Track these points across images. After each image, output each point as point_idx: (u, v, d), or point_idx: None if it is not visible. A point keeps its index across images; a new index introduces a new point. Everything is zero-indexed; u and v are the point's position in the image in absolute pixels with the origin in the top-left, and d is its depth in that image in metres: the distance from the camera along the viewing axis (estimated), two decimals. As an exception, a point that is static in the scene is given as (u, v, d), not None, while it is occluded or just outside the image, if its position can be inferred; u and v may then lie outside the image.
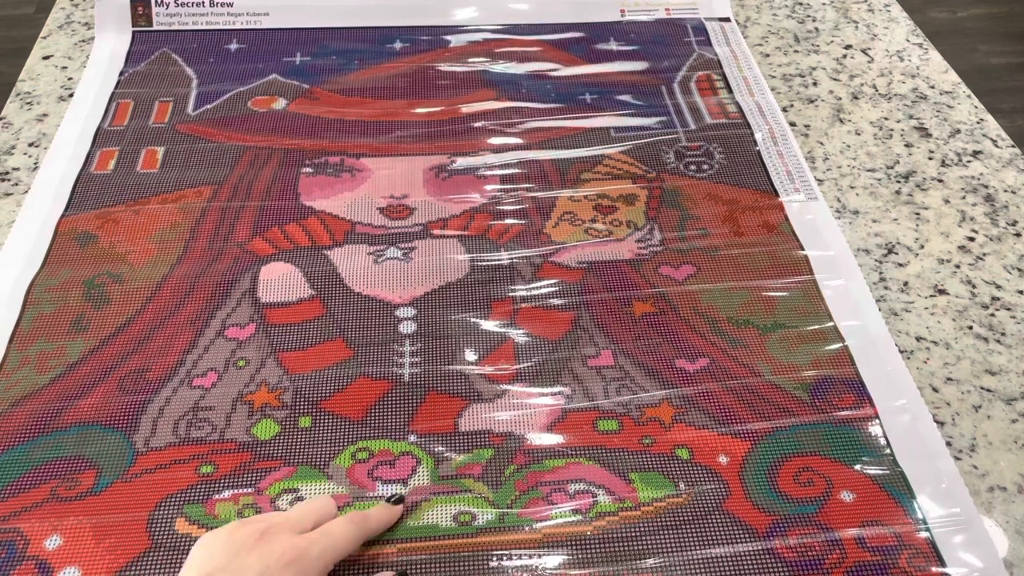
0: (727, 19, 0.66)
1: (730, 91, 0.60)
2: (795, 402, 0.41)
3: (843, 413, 0.41)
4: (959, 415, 0.42)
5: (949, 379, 0.44)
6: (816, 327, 0.45)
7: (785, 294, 0.46)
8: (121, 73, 0.60)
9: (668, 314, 0.45)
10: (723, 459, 0.39)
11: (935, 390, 0.43)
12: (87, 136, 0.55)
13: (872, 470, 0.39)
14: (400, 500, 0.37)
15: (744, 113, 0.58)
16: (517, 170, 0.53)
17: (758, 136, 0.56)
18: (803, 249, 0.49)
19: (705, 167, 0.54)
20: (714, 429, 0.40)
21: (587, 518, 0.37)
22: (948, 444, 0.41)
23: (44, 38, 0.65)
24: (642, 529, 0.37)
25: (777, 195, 0.52)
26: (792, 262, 0.48)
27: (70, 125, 0.56)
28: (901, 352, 0.44)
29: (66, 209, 0.50)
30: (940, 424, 0.42)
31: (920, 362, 0.44)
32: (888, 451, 0.39)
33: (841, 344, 0.44)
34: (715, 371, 0.43)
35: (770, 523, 0.37)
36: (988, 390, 0.43)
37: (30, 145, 0.56)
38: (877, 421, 0.41)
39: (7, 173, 0.54)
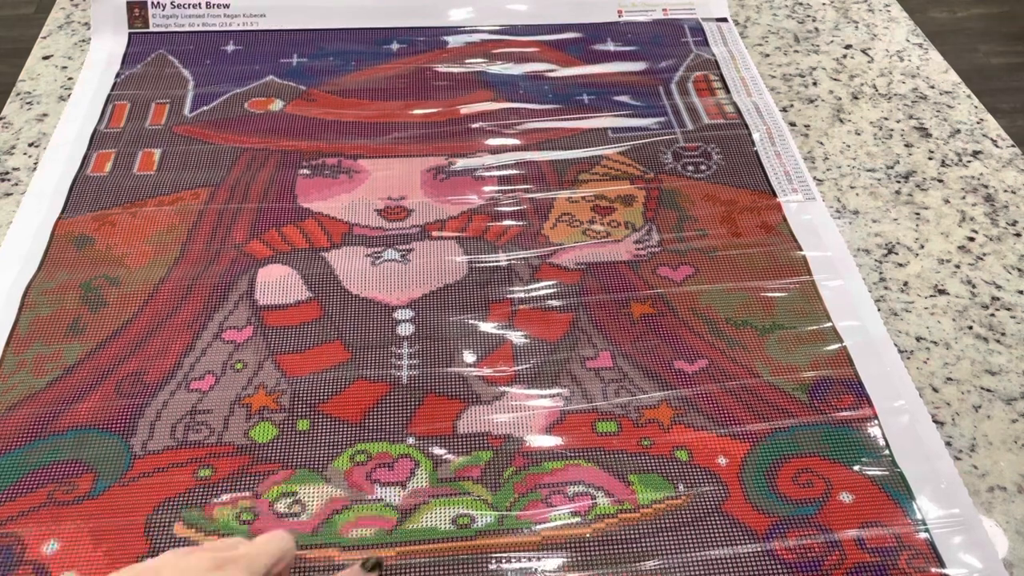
0: (724, 19, 0.66)
1: (728, 91, 0.60)
2: (794, 403, 0.41)
3: (842, 414, 0.41)
4: (959, 415, 0.42)
5: (949, 379, 0.43)
6: (815, 328, 0.45)
7: (783, 295, 0.46)
8: (117, 75, 0.60)
9: (667, 315, 0.45)
10: (722, 460, 0.39)
11: (935, 390, 0.43)
12: (84, 138, 0.55)
13: (871, 471, 0.39)
14: (377, 566, 0.34)
15: (742, 113, 0.58)
16: (515, 171, 0.53)
17: (756, 136, 0.56)
18: (801, 249, 0.49)
19: (703, 168, 0.54)
20: (713, 430, 0.40)
21: (586, 520, 0.37)
22: (948, 444, 0.40)
23: (44, 38, 0.65)
24: (641, 531, 0.37)
25: (775, 195, 0.52)
26: (790, 263, 0.48)
27: (66, 127, 0.55)
28: (901, 352, 0.44)
29: (63, 211, 0.50)
30: (940, 424, 0.41)
31: (920, 362, 0.44)
32: (887, 452, 0.39)
33: (840, 344, 0.44)
34: (714, 372, 0.43)
35: (769, 524, 0.37)
36: (988, 390, 0.43)
37: (30, 145, 0.56)
38: (876, 422, 0.40)
39: (7, 173, 0.53)
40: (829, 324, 0.45)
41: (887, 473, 0.39)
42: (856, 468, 0.39)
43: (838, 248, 0.49)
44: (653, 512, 0.37)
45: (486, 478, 0.38)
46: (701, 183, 0.53)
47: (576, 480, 0.38)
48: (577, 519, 0.37)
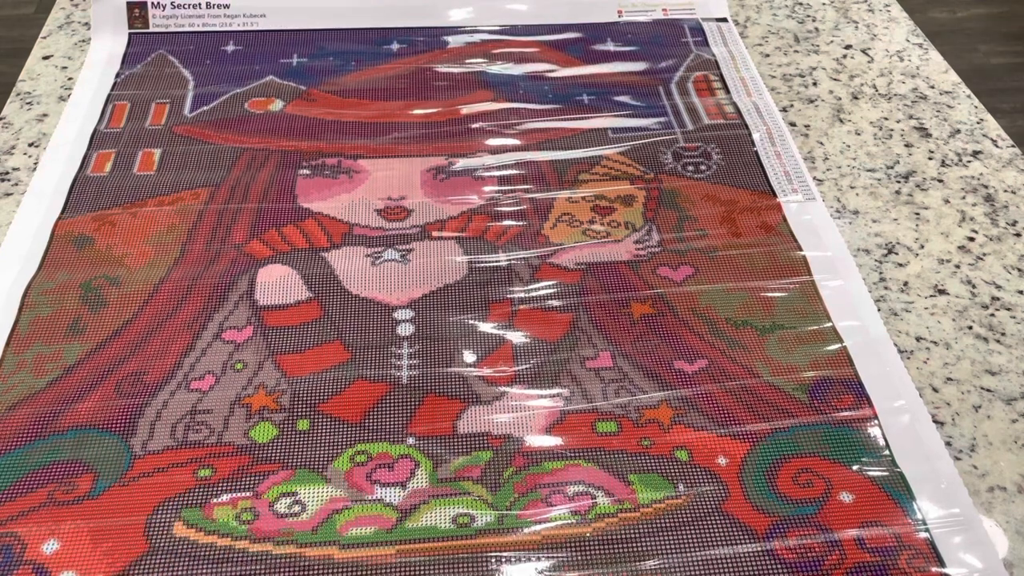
0: (724, 19, 0.66)
1: (728, 92, 0.60)
2: (794, 403, 0.41)
3: (842, 414, 0.41)
4: (959, 415, 0.42)
5: (949, 379, 0.43)
6: (815, 328, 0.45)
7: (783, 295, 0.46)
8: (118, 75, 0.60)
9: (667, 315, 0.45)
10: (722, 460, 0.39)
11: (935, 390, 0.43)
12: (84, 138, 0.55)
13: (871, 471, 0.39)
14: None
15: (742, 113, 0.58)
16: (515, 171, 0.53)
17: (756, 136, 0.56)
18: (801, 249, 0.49)
19: (703, 168, 0.54)
20: (713, 430, 0.40)
21: (586, 520, 0.37)
22: (948, 444, 0.40)
23: (44, 38, 0.65)
24: (641, 531, 0.37)
25: (775, 196, 0.52)
26: (790, 263, 0.48)
27: (66, 127, 0.55)
28: (901, 352, 0.44)
29: (63, 211, 0.50)
30: (940, 424, 0.41)
31: (920, 362, 0.44)
32: (887, 452, 0.39)
33: (840, 345, 0.44)
34: (714, 372, 0.43)
35: (769, 524, 0.37)
36: (988, 390, 0.43)
37: (30, 145, 0.56)
38: (876, 422, 0.40)
39: (7, 173, 0.53)
40: (829, 324, 0.45)
41: (887, 473, 0.39)
42: (856, 468, 0.39)
43: (838, 248, 0.49)
44: (653, 512, 0.37)
45: (486, 478, 0.38)
46: (701, 183, 0.53)
47: (576, 480, 0.38)
48: (577, 518, 0.37)
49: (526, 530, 0.36)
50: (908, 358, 0.44)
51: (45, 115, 0.58)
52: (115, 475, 0.38)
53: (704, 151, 0.55)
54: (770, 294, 0.46)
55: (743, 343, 0.44)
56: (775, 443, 0.40)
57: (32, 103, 0.59)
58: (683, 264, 0.48)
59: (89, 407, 0.40)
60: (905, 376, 0.43)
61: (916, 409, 0.41)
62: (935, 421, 0.41)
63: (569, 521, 0.37)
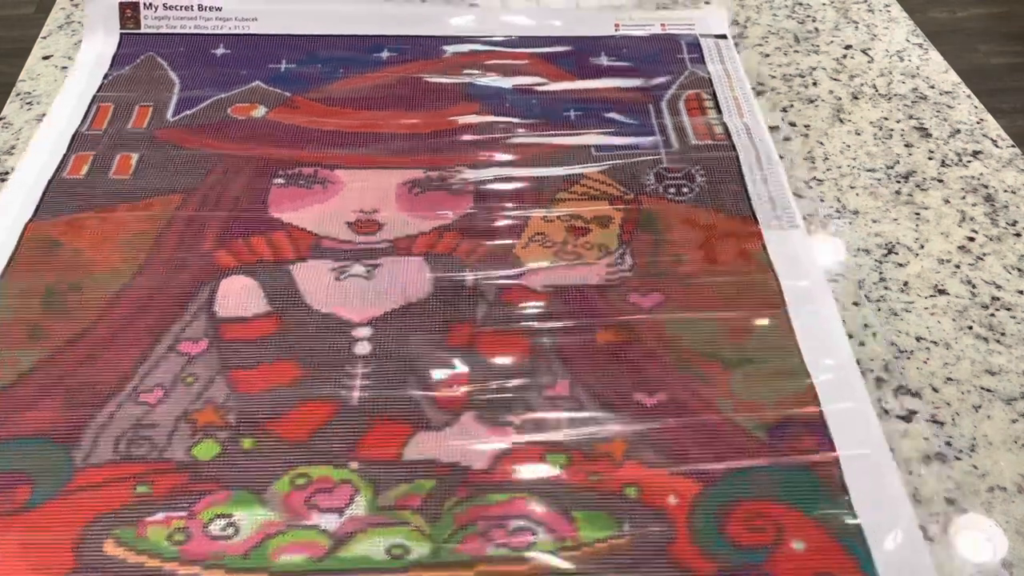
0: (723, 36, 0.64)
1: (719, 111, 0.57)
2: (753, 442, 0.39)
3: (802, 457, 0.39)
4: (959, 415, 0.41)
5: (949, 379, 0.43)
6: (783, 363, 0.42)
7: (754, 327, 0.44)
8: (105, 76, 0.60)
9: (632, 344, 0.43)
10: (672, 499, 0.37)
11: (935, 390, 0.42)
12: (64, 139, 0.55)
13: (827, 519, 0.36)
14: None
15: (731, 135, 0.56)
16: (492, 187, 0.52)
17: (742, 160, 0.54)
18: (778, 280, 0.46)
19: (685, 190, 0.52)
20: (666, 468, 0.38)
21: (524, 558, 0.36)
22: (948, 444, 0.40)
23: (44, 38, 0.66)
24: (580, 570, 0.35)
25: (756, 222, 0.50)
26: (765, 294, 0.46)
27: (48, 128, 0.55)
28: (901, 352, 0.44)
29: (34, 214, 0.50)
30: (940, 424, 0.41)
31: (920, 362, 0.43)
32: (846, 499, 0.37)
33: (808, 381, 0.42)
34: (673, 406, 0.41)
35: (714, 571, 0.35)
36: (988, 390, 0.42)
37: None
38: (837, 467, 0.38)
39: (7, 173, 0.54)
40: (799, 360, 0.43)
41: (843, 522, 0.36)
42: (811, 515, 0.37)
43: (816, 278, 0.47)
44: (594, 551, 0.36)
45: (427, 508, 0.37)
46: (681, 206, 0.51)
47: (519, 514, 0.37)
48: (515, 555, 0.36)
49: (460, 565, 0.35)
50: (908, 358, 0.43)
51: (45, 115, 0.58)
52: (54, 488, 0.38)
53: (688, 173, 0.53)
54: (741, 325, 0.44)
55: (707, 376, 0.42)
56: (729, 484, 0.38)
57: (32, 103, 0.59)
58: (654, 291, 0.46)
59: (37, 416, 0.40)
60: (873, 418, 0.40)
61: (880, 455, 0.39)
62: (935, 421, 0.40)
63: (506, 556, 0.36)
